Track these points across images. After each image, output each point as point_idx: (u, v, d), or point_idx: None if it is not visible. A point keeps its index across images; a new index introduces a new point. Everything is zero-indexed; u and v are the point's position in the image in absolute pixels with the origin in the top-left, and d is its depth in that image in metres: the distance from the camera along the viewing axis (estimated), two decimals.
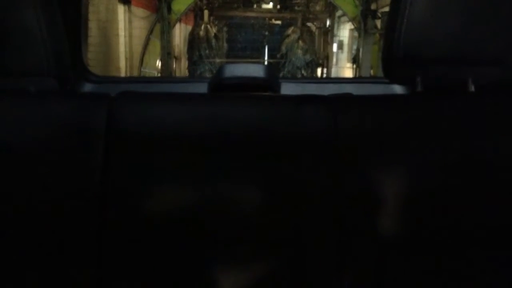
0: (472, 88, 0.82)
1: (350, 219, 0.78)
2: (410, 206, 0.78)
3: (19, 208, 0.78)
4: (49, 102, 0.84)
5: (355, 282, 0.79)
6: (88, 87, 1.40)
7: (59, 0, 0.89)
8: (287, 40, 11.40)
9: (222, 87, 1.11)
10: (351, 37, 10.36)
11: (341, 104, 0.81)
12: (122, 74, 8.00)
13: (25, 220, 0.79)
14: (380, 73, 0.89)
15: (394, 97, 0.90)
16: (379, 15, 8.24)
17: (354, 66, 9.27)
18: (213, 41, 10.79)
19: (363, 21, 8.28)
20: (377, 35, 8.31)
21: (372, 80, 1.49)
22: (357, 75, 8.82)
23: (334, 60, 11.70)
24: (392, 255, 0.78)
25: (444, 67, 0.82)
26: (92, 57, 6.96)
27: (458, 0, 0.79)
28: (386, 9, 8.00)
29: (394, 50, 0.81)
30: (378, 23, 8.29)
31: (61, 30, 0.88)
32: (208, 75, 9.96)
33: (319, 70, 11.72)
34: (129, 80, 2.30)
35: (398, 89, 1.26)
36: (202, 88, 1.19)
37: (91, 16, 6.85)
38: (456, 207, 0.77)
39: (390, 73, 0.86)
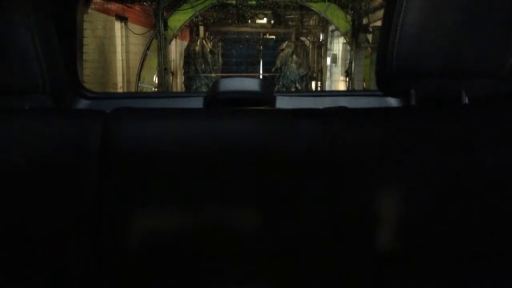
0: (465, 100, 0.82)
1: (348, 232, 0.77)
2: (407, 218, 0.76)
3: (13, 224, 0.77)
4: (44, 119, 0.83)
5: None
6: (83, 104, 1.38)
7: (54, 17, 0.89)
8: (281, 54, 11.45)
9: (218, 101, 1.11)
10: (345, 51, 10.42)
11: (337, 118, 0.81)
12: (119, 89, 8.00)
13: (18, 235, 0.77)
14: (372, 86, 0.88)
15: (389, 110, 0.89)
16: (370, 29, 8.29)
17: (347, 79, 9.31)
18: (209, 56, 10.83)
19: (355, 35, 8.33)
20: (369, 49, 8.36)
21: (367, 93, 1.49)
22: (350, 88, 8.85)
23: (328, 73, 11.75)
24: (389, 267, 0.77)
25: (437, 80, 0.82)
26: (90, 73, 6.96)
27: (450, 14, 0.78)
28: (378, 23, 8.08)
29: (387, 63, 0.80)
30: (370, 37, 8.35)
31: (55, 48, 0.87)
32: (204, 89, 9.98)
33: (313, 84, 11.76)
34: (124, 96, 2.29)
35: (392, 101, 1.26)
36: (197, 102, 1.18)
37: (88, 33, 6.87)
38: (453, 219, 0.76)
39: (384, 86, 0.85)
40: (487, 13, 0.78)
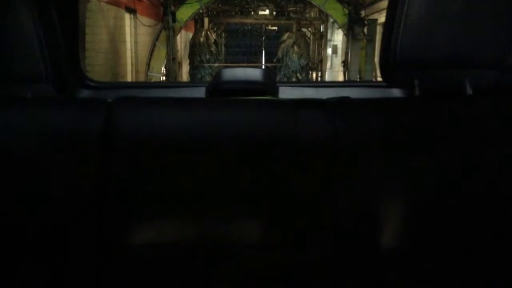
0: (469, 91, 0.78)
1: (349, 225, 0.73)
2: (410, 211, 0.72)
3: (15, 213, 0.74)
4: (46, 108, 0.80)
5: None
6: (86, 93, 1.34)
7: (57, 7, 0.85)
8: (283, 45, 11.36)
9: (220, 91, 1.06)
10: (345, 42, 10.30)
11: (340, 108, 0.76)
12: (128, 78, 7.97)
13: (19, 224, 0.74)
14: (367, 76, 0.83)
15: (393, 100, 0.85)
16: (366, 22, 8.22)
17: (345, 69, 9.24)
18: (213, 46, 10.74)
19: (351, 28, 8.25)
20: (364, 40, 8.29)
21: (370, 83, 1.44)
22: (347, 77, 8.82)
23: (329, 64, 11.63)
24: (391, 261, 0.73)
25: (441, 70, 0.78)
26: (101, 63, 6.92)
27: (455, 5, 0.73)
28: (374, 16, 8.01)
29: (391, 54, 0.76)
30: (366, 30, 8.27)
31: (59, 37, 0.84)
32: (208, 78, 9.94)
33: (314, 74, 11.67)
34: (126, 85, 2.26)
35: (396, 92, 1.21)
36: (200, 92, 1.14)
37: (100, 23, 6.81)
38: (457, 211, 0.71)
39: (388, 77, 0.81)
40: (491, 3, 0.74)
